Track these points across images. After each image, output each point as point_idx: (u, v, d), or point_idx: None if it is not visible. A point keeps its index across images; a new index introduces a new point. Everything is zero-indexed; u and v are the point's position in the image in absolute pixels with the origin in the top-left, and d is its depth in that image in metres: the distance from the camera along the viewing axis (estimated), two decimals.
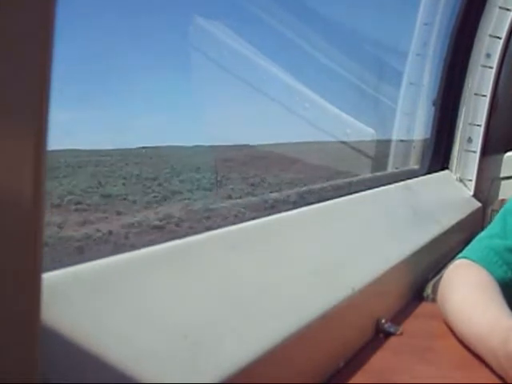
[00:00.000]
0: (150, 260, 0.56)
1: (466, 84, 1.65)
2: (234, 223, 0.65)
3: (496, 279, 0.85)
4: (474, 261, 0.90)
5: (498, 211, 1.62)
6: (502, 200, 1.64)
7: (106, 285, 0.49)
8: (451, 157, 1.68)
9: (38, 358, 0.34)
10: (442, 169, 1.68)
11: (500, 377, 0.67)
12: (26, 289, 0.33)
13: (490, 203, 1.65)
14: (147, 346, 0.47)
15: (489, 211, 1.61)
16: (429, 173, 1.62)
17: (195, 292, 0.57)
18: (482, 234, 0.99)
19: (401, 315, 0.91)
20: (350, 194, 1.10)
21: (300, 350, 0.62)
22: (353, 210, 1.04)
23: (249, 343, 0.54)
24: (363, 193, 1.14)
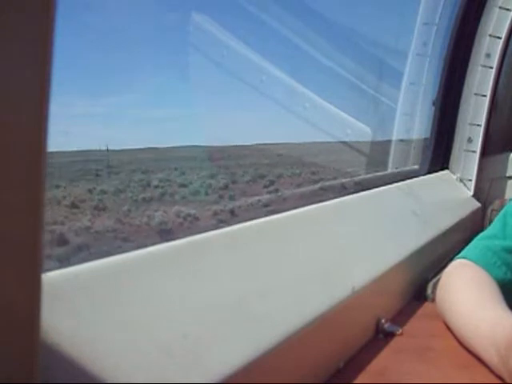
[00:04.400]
0: (150, 260, 0.56)
1: (465, 84, 1.65)
2: None
3: (495, 280, 0.85)
4: (472, 261, 0.89)
5: (497, 211, 1.62)
6: (503, 200, 1.63)
7: (106, 285, 0.49)
8: (451, 157, 1.68)
9: (37, 359, 0.34)
10: (442, 169, 1.68)
11: (499, 376, 0.67)
12: (25, 289, 0.33)
13: (489, 203, 1.64)
14: (147, 346, 0.47)
15: (489, 211, 1.61)
16: (429, 173, 1.62)
17: (195, 292, 0.57)
18: (482, 234, 0.98)
19: (401, 315, 0.91)
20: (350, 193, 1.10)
21: (300, 350, 0.62)
22: (353, 210, 1.04)
23: (249, 343, 0.54)
24: (363, 193, 1.14)
